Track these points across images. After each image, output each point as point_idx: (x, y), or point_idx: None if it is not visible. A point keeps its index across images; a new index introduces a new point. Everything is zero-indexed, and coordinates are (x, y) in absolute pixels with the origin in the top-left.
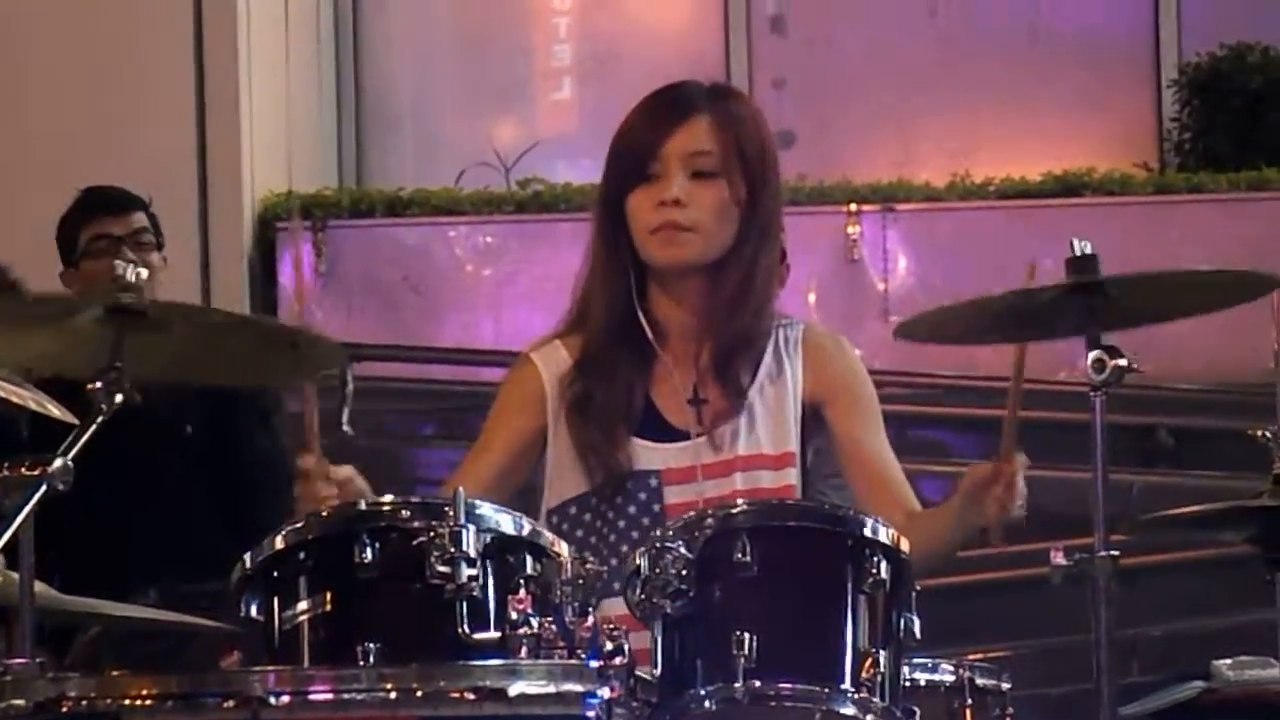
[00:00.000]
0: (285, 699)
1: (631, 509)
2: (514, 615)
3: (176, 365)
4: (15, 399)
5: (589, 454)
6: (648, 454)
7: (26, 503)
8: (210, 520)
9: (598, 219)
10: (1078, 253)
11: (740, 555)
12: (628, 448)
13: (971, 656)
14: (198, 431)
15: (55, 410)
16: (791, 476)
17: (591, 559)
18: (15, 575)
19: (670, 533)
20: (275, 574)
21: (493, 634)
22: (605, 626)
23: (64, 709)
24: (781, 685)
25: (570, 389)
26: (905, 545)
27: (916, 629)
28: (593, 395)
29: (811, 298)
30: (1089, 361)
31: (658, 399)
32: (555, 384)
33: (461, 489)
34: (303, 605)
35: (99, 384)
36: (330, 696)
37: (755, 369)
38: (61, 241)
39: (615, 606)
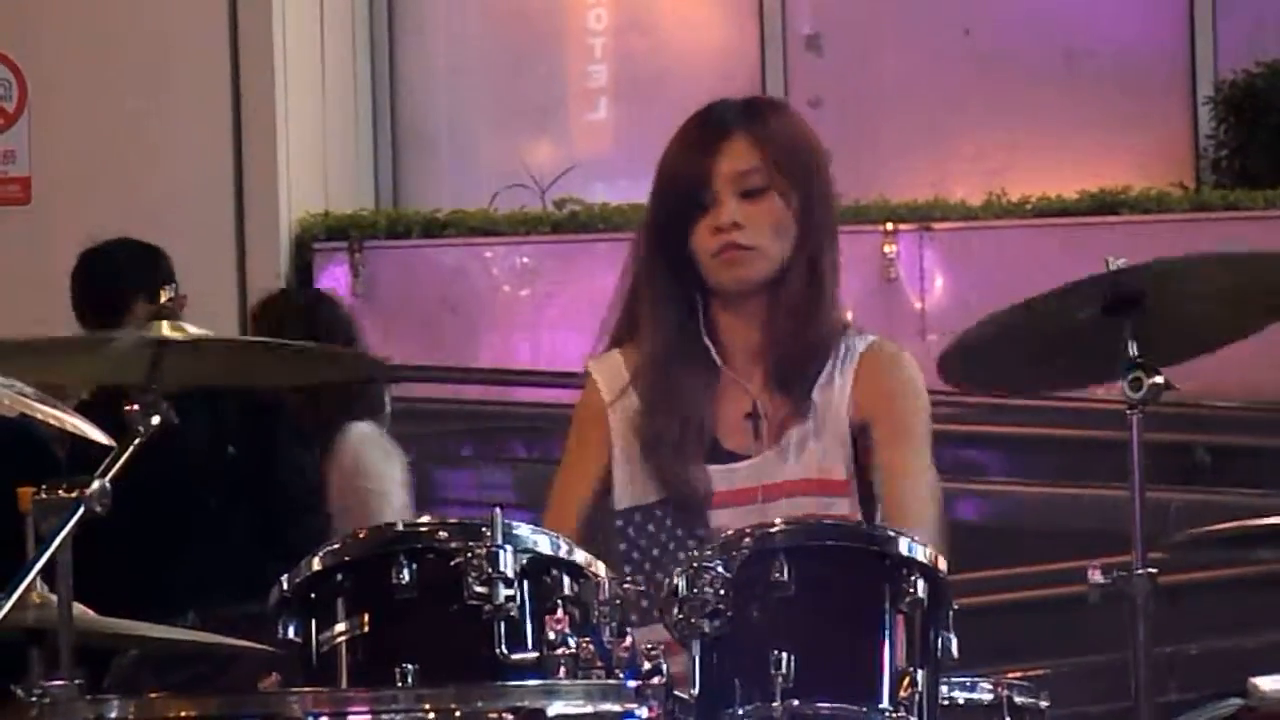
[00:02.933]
0: None
1: (680, 531)
2: (551, 635)
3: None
4: (53, 421)
5: (654, 475)
6: (701, 476)
7: (64, 525)
8: (250, 541)
9: (650, 248)
10: (1113, 270)
11: (778, 575)
12: (703, 471)
13: (1010, 675)
14: (239, 452)
15: (94, 433)
16: (843, 506)
17: (633, 578)
18: (54, 597)
19: (708, 552)
20: (313, 596)
21: (530, 654)
22: (643, 647)
23: None
24: (819, 705)
25: (636, 417)
26: (943, 564)
27: (954, 648)
28: (661, 429)
29: (848, 316)
30: (1126, 380)
31: (717, 421)
32: (613, 394)
33: (499, 510)
34: (340, 627)
35: (136, 406)
36: (368, 718)
37: (815, 378)
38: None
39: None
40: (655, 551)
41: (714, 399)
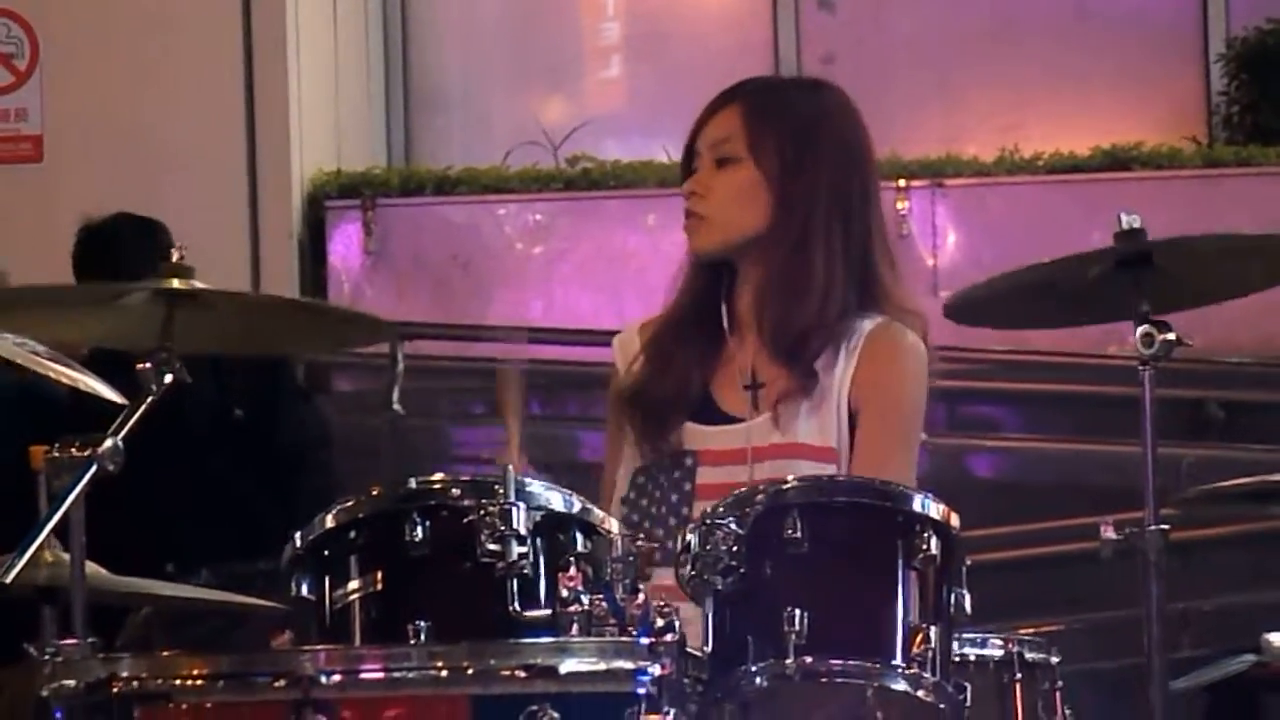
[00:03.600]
0: (336, 678)
1: (666, 486)
2: (564, 593)
3: (223, 343)
4: (66, 380)
5: (638, 437)
6: (692, 436)
7: (77, 483)
8: (259, 499)
9: None
10: (1126, 226)
11: (791, 531)
12: (680, 432)
13: (1022, 631)
14: (246, 414)
15: (105, 390)
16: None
17: (642, 536)
18: (66, 556)
19: (721, 509)
20: (326, 553)
21: (543, 611)
22: (656, 603)
23: (115, 689)
24: (833, 661)
25: (630, 374)
26: (955, 521)
27: (967, 604)
28: (647, 384)
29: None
30: (1138, 336)
31: (718, 385)
32: (626, 367)
33: (511, 465)
34: (353, 584)
35: (148, 364)
36: (381, 675)
37: (816, 353)
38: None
39: (664, 576)
40: (650, 508)
41: (716, 364)
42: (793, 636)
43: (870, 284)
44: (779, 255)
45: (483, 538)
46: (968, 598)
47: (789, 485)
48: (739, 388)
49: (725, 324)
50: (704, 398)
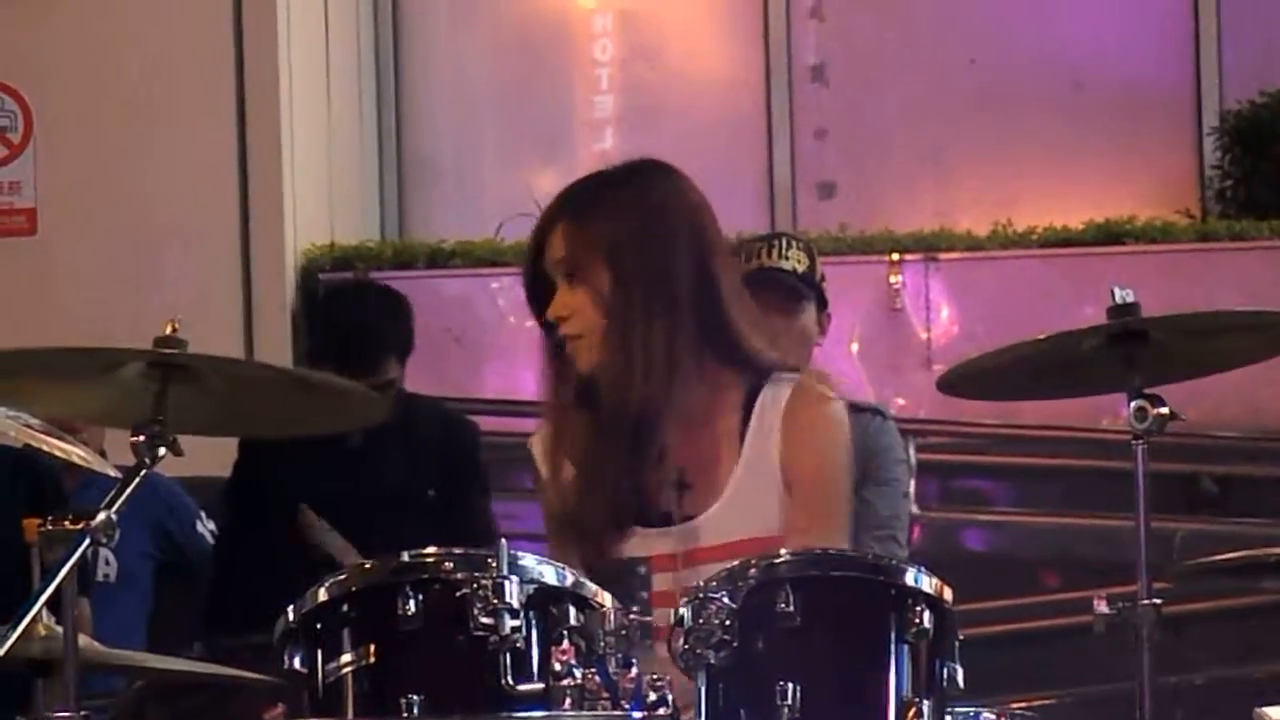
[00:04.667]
0: None
1: (622, 596)
2: (557, 666)
3: (218, 418)
4: (59, 453)
5: (584, 545)
6: (636, 541)
7: (70, 556)
8: None
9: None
10: (1119, 300)
11: (783, 605)
12: (626, 539)
13: (1014, 706)
14: (438, 496)
15: (96, 463)
16: None
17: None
18: (59, 629)
19: (714, 583)
20: (319, 626)
21: (536, 685)
22: (649, 677)
23: None
24: None
25: (566, 480)
26: (948, 594)
27: (960, 678)
28: (586, 507)
29: (854, 347)
30: (1131, 410)
31: (649, 485)
32: (547, 470)
33: (504, 541)
34: (346, 657)
35: (142, 437)
36: None
37: (740, 437)
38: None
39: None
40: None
41: (641, 463)
42: (785, 710)
43: (731, 349)
44: (619, 357)
45: (475, 611)
46: (960, 672)
47: (781, 559)
48: (666, 486)
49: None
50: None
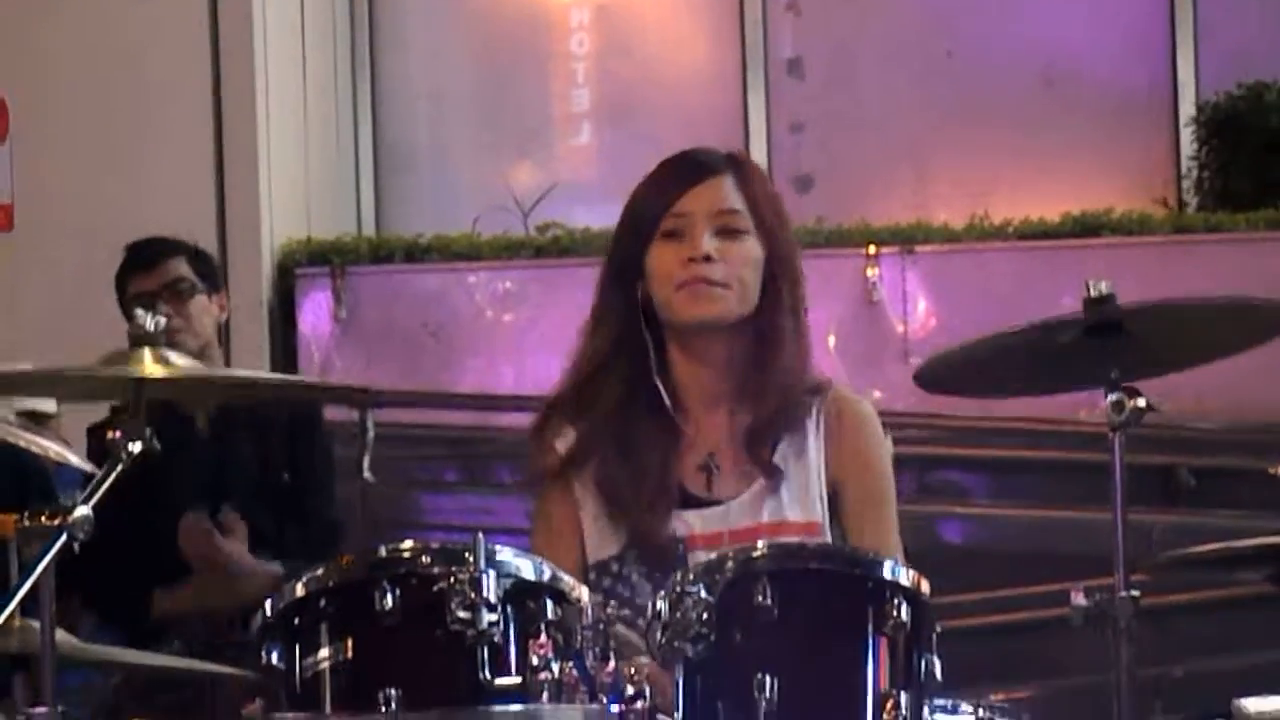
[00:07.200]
0: None
1: (657, 576)
2: (535, 660)
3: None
4: (35, 449)
5: (626, 523)
6: (674, 521)
7: (47, 552)
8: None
9: (608, 286)
10: (1095, 292)
11: (761, 598)
12: (670, 518)
13: (993, 698)
14: (291, 480)
15: (74, 459)
16: None
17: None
18: (35, 624)
19: (691, 576)
20: (296, 621)
21: (514, 679)
22: (626, 670)
23: None
24: None
25: (595, 467)
26: (925, 587)
27: (938, 670)
28: (620, 477)
29: (831, 340)
30: (1108, 403)
31: (679, 465)
32: (569, 455)
33: (481, 535)
34: (324, 652)
35: (118, 433)
36: None
37: (780, 429)
38: (119, 302)
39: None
40: (635, 599)
41: (671, 445)
42: (763, 703)
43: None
44: (763, 334)
45: (453, 605)
46: (938, 664)
47: (758, 553)
48: (695, 470)
49: (667, 402)
50: (674, 481)
